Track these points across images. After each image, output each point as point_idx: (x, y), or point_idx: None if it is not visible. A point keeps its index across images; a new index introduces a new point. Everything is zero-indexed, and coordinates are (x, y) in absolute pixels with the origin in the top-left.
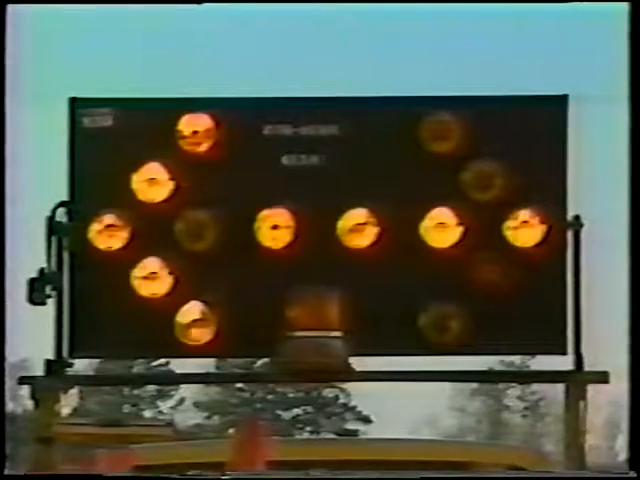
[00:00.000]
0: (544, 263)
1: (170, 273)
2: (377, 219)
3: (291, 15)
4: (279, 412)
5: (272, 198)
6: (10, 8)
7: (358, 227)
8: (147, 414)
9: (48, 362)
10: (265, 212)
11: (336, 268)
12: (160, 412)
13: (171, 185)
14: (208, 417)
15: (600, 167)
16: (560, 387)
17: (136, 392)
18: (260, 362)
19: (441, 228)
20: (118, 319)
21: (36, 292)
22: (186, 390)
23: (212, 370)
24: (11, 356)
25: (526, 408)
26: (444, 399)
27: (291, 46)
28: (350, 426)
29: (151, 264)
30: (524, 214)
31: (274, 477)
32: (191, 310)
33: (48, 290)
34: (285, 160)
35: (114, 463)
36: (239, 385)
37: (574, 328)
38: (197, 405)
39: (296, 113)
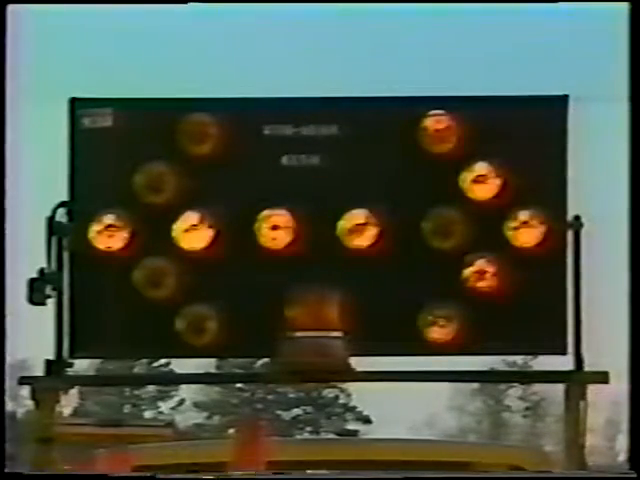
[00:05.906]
0: (544, 263)
1: (170, 273)
2: (377, 219)
3: (291, 15)
4: (279, 412)
5: (272, 198)
6: (10, 8)
7: (358, 227)
8: (147, 414)
9: (48, 362)
10: (265, 212)
11: (336, 268)
12: (160, 412)
13: (171, 185)
14: (208, 417)
15: (600, 167)
16: (560, 387)
17: (136, 392)
18: (260, 362)
19: (441, 228)
20: (118, 319)
21: (36, 292)
22: (186, 390)
23: (212, 370)
24: (11, 356)
25: (526, 408)
26: (444, 399)
27: (291, 46)
28: (350, 426)
29: (151, 264)
30: (524, 214)
31: (274, 477)
32: (191, 310)
33: (48, 290)
34: (285, 160)
35: (114, 463)
36: (239, 385)
37: (574, 328)
38: (197, 405)
39: (296, 113)
